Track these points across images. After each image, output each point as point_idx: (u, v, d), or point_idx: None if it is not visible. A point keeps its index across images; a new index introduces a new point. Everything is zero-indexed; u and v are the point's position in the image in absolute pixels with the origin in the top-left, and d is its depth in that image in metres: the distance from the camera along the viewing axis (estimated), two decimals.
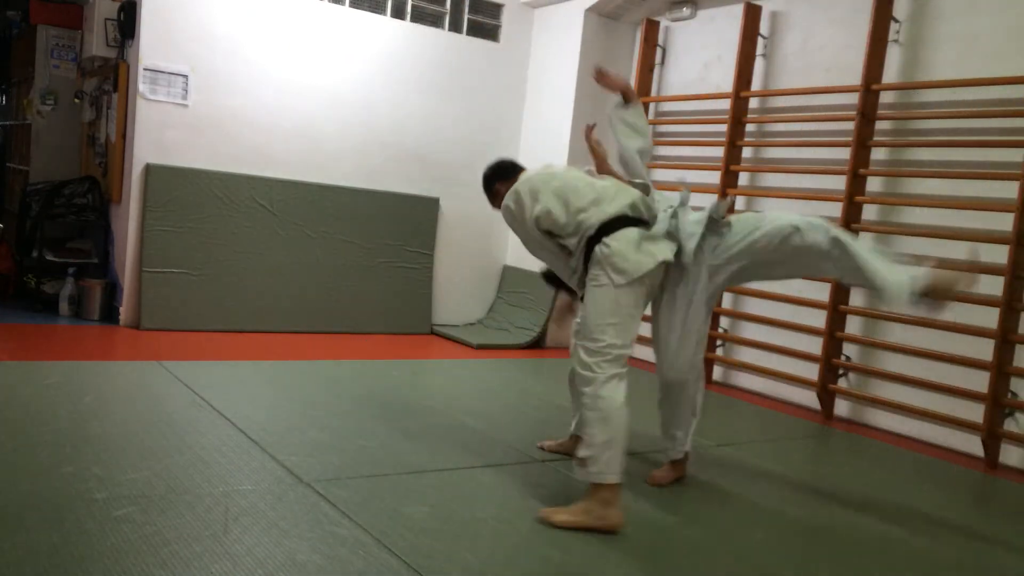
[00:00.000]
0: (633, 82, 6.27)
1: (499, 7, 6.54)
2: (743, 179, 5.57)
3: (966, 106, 4.46)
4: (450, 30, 6.35)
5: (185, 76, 5.37)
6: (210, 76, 5.45)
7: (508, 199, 3.10)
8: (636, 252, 2.91)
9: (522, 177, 3.16)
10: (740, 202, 5.56)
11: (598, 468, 2.75)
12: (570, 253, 3.05)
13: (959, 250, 4.42)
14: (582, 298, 3.11)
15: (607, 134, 3.41)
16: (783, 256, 3.05)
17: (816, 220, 3.03)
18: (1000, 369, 4.15)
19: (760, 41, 5.50)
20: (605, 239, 2.92)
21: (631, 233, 2.95)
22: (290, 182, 5.78)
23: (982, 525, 3.39)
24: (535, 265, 6.18)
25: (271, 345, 5.30)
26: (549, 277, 3.47)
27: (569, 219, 2.99)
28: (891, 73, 4.81)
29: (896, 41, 4.79)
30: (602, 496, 2.75)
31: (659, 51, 6.19)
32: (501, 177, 3.26)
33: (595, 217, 2.96)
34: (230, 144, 5.57)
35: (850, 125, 4.86)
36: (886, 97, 4.82)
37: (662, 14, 6.19)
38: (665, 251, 2.99)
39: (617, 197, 3.03)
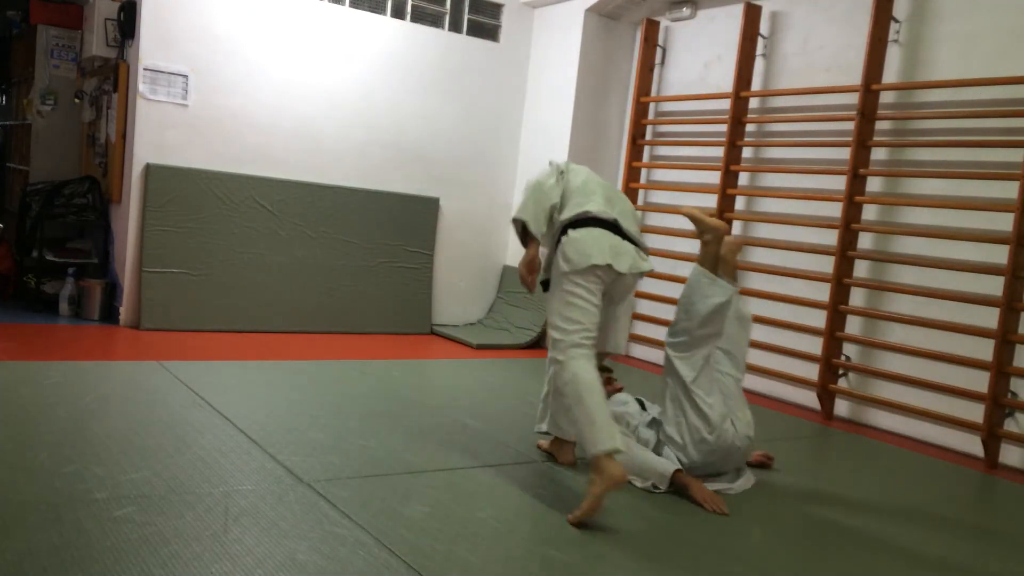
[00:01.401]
0: (633, 82, 6.28)
1: (499, 7, 6.54)
2: (743, 179, 5.57)
3: (966, 106, 4.46)
4: (450, 30, 6.35)
5: (185, 76, 5.37)
6: (210, 76, 5.45)
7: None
8: (589, 246, 3.05)
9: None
10: (740, 202, 5.57)
11: (593, 443, 2.83)
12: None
13: (959, 250, 4.43)
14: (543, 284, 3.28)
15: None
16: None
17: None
18: (1000, 369, 4.15)
19: (760, 41, 5.50)
20: (570, 230, 3.10)
21: (596, 232, 3.10)
22: (290, 182, 5.78)
23: (982, 525, 3.39)
24: None
25: (271, 345, 5.30)
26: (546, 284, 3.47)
27: (566, 193, 3.21)
28: (891, 73, 4.81)
29: (896, 41, 4.79)
30: (598, 464, 2.79)
31: (659, 51, 6.19)
32: None
33: (579, 207, 3.15)
34: (230, 144, 5.57)
35: (850, 125, 4.86)
36: (886, 97, 4.82)
37: (662, 14, 6.19)
38: (621, 261, 3.09)
39: (610, 204, 3.21)
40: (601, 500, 2.75)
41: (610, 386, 3.69)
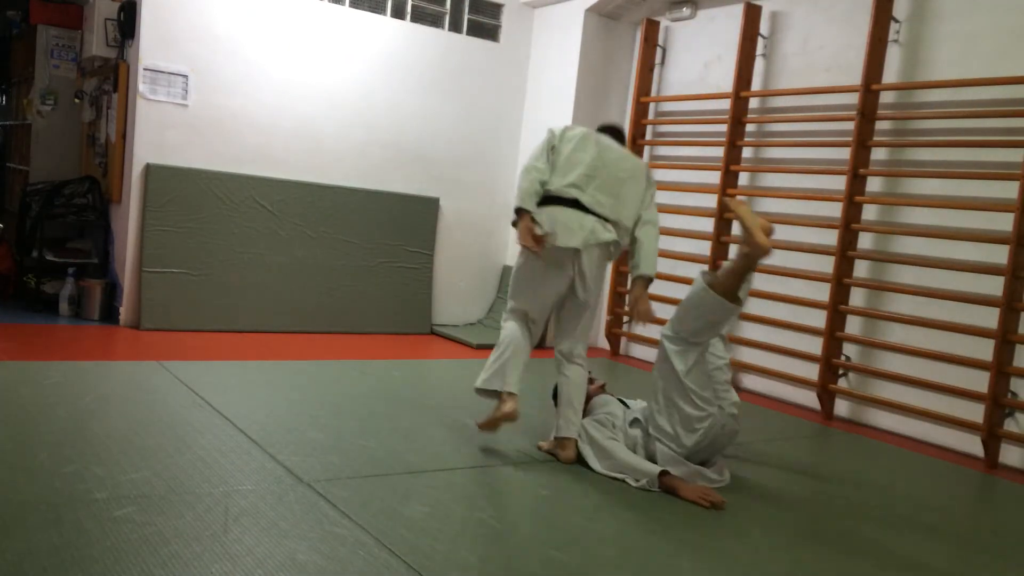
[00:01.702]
0: (633, 82, 6.28)
1: (499, 7, 6.54)
2: (743, 179, 5.57)
3: (966, 106, 4.46)
4: (450, 30, 6.35)
5: (185, 76, 5.37)
6: (210, 76, 5.45)
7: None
8: (545, 227, 3.25)
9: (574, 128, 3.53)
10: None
11: (485, 378, 3.40)
12: None
13: (959, 250, 4.43)
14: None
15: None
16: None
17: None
18: (1000, 369, 4.15)
19: (760, 41, 5.50)
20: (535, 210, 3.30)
21: (555, 211, 3.26)
22: (290, 182, 5.78)
23: (982, 525, 3.39)
24: None
25: (271, 345, 5.30)
26: None
27: (552, 168, 3.35)
28: (891, 73, 4.81)
29: (896, 41, 4.79)
30: (501, 397, 3.36)
31: (659, 51, 6.19)
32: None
33: (550, 184, 3.30)
34: (230, 144, 5.57)
35: (850, 125, 4.86)
36: (886, 97, 4.82)
37: (662, 14, 6.19)
38: (571, 237, 3.24)
39: (587, 179, 3.29)
40: (495, 425, 3.38)
41: (593, 385, 3.70)
